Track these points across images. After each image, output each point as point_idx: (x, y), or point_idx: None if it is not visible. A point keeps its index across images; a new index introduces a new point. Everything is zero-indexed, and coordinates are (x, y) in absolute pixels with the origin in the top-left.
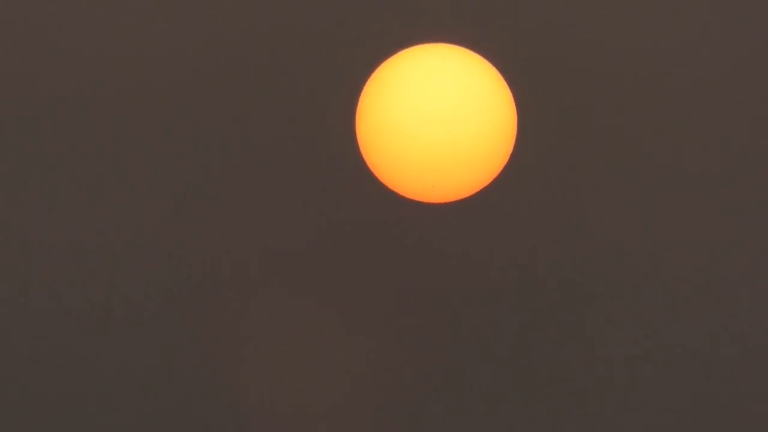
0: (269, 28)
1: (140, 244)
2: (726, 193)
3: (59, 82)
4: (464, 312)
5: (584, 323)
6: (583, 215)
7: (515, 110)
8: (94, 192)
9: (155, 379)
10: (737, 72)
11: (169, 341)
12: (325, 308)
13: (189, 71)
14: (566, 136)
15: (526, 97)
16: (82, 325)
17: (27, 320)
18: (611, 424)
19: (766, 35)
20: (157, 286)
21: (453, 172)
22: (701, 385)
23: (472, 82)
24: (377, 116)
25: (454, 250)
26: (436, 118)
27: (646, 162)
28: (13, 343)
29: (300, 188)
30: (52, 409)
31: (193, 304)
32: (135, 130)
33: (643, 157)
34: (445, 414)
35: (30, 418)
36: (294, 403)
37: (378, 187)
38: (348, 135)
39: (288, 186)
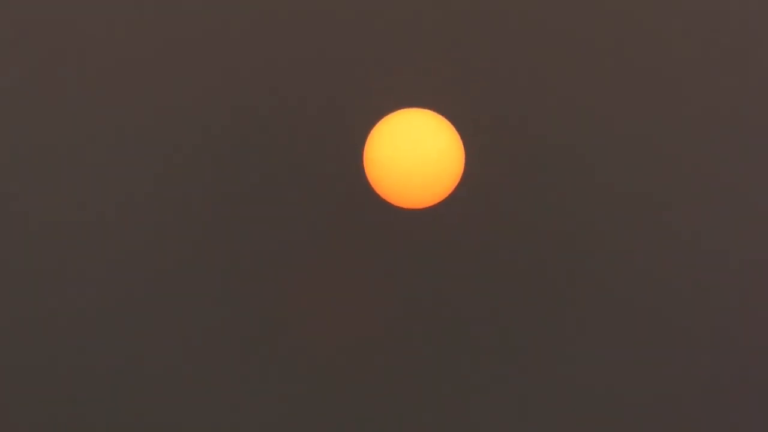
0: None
1: (140, 251)
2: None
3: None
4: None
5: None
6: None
7: (464, 153)
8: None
9: (154, 380)
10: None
11: (166, 347)
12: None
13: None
14: (507, 168)
15: (474, 143)
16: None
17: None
18: (608, 423)
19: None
20: (155, 294)
21: (427, 184)
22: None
23: (438, 137)
24: (384, 155)
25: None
26: (419, 159)
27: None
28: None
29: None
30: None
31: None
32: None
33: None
34: (443, 417)
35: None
36: (286, 408)
37: (378, 200)
38: (357, 168)
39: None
